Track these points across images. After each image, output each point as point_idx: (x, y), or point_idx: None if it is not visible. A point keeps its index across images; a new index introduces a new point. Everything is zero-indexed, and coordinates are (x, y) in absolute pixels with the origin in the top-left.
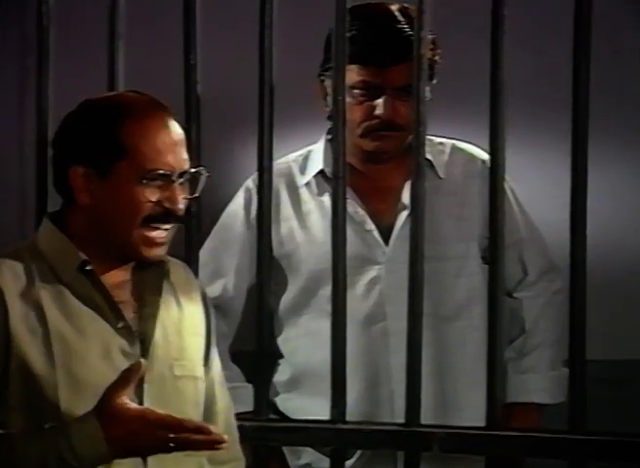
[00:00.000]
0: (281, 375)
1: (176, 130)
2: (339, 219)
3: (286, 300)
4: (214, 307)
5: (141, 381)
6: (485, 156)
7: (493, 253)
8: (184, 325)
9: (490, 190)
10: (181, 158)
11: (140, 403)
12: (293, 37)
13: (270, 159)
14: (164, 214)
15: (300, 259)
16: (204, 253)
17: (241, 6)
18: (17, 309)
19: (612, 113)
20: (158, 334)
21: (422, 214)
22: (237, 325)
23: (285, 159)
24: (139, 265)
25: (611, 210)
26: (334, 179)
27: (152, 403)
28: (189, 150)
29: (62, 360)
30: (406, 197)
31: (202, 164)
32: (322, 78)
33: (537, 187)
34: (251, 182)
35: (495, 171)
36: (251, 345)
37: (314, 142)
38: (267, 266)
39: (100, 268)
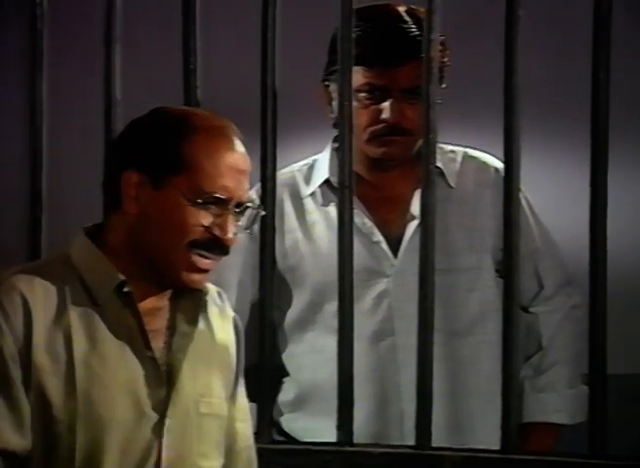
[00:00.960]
0: (286, 394)
1: (243, 158)
2: (345, 231)
3: (291, 315)
4: None
5: (163, 416)
6: (498, 164)
7: (507, 266)
8: (215, 360)
9: (504, 200)
10: (242, 187)
11: (160, 439)
12: (297, 40)
13: (274, 168)
14: (212, 242)
15: (304, 273)
16: None
17: (242, 7)
18: (42, 335)
19: (631, 118)
20: (186, 368)
21: (433, 225)
22: None
23: (289, 168)
24: (176, 292)
25: (631, 218)
26: (340, 189)
27: (171, 439)
28: None
29: (85, 391)
30: (415, 207)
31: None
32: (327, 83)
33: (553, 196)
34: (254, 193)
35: (509, 179)
36: (255, 360)
37: (320, 151)
38: (270, 279)
39: (138, 291)
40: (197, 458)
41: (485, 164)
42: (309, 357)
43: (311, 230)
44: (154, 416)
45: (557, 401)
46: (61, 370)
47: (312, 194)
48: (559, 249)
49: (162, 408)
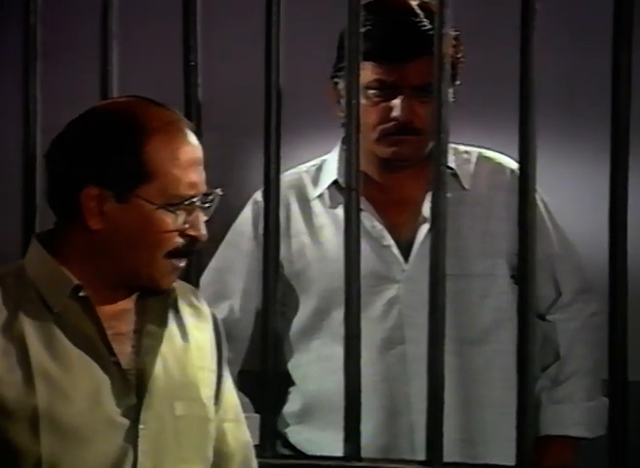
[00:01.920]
0: (291, 405)
1: (198, 147)
2: (352, 235)
3: (297, 323)
4: None
5: (136, 422)
6: (514, 166)
7: (523, 273)
8: (190, 359)
9: (519, 202)
10: (203, 178)
11: (135, 446)
12: (306, 36)
13: (277, 170)
14: (188, 244)
15: (311, 278)
16: (209, 273)
17: (246, 3)
18: None
19: None
20: (158, 370)
21: (444, 230)
22: (245, 350)
23: (296, 170)
24: (143, 294)
25: None
26: (346, 191)
27: (147, 445)
28: None
29: (46, 403)
30: (427, 209)
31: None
32: (335, 80)
33: (570, 198)
34: (259, 195)
35: (524, 180)
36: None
37: (329, 152)
38: (274, 286)
39: (99, 296)
40: (177, 463)
41: (500, 165)
42: (316, 366)
43: (319, 234)
44: (125, 424)
45: (575, 413)
46: (19, 382)
47: (320, 196)
48: (577, 253)
49: (134, 414)
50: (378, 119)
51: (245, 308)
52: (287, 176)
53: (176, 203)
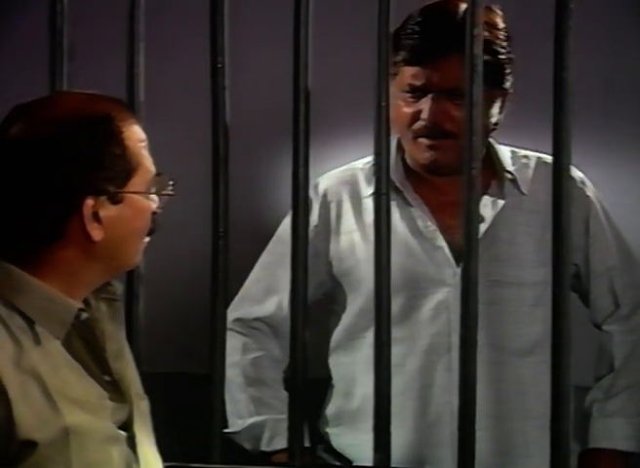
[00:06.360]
0: (332, 406)
1: None
2: (382, 242)
3: (344, 322)
4: (267, 326)
5: (131, 433)
6: (574, 172)
7: (555, 285)
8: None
9: (553, 205)
10: None
11: (137, 457)
12: (333, 36)
13: (306, 173)
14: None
15: (359, 278)
16: (258, 268)
17: (275, 1)
18: (15, 384)
19: None
20: (130, 372)
21: (476, 235)
22: None
23: (350, 166)
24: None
25: None
26: (376, 196)
27: (142, 455)
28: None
29: (74, 423)
30: (482, 212)
31: (231, 179)
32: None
33: (613, 201)
34: (311, 191)
35: (558, 189)
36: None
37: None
38: (303, 294)
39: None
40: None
41: None
42: (360, 367)
43: (369, 232)
44: (124, 436)
45: (626, 427)
46: (43, 406)
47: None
48: (639, 264)
49: (125, 424)
50: (409, 121)
51: None
52: (341, 172)
53: (154, 184)
